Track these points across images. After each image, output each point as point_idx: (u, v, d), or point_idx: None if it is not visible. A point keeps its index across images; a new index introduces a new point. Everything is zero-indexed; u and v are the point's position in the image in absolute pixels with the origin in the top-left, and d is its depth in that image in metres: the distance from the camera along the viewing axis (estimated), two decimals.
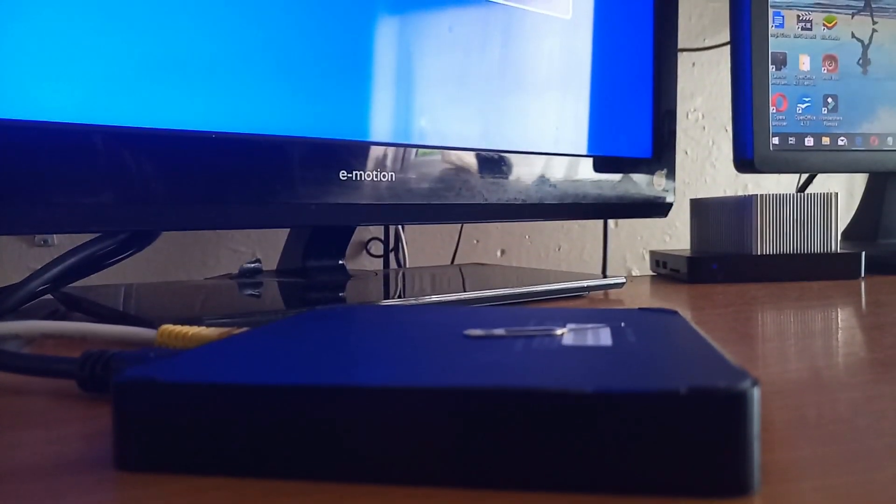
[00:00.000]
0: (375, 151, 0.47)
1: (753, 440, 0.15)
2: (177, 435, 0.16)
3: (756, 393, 0.15)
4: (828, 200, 0.68)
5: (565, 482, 0.15)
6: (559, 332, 0.22)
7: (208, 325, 0.29)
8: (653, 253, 0.76)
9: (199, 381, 0.17)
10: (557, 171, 0.57)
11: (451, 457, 0.15)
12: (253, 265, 0.58)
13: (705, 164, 1.02)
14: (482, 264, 0.78)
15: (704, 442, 0.14)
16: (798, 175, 0.98)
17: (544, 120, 0.57)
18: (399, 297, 0.50)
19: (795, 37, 0.77)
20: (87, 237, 0.45)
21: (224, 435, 0.16)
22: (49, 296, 0.45)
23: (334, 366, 0.19)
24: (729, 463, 0.14)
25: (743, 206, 0.69)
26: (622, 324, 0.23)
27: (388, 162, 0.47)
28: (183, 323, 0.30)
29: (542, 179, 0.56)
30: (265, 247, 0.73)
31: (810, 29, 0.78)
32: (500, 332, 0.22)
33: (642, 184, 0.63)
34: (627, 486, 0.15)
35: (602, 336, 0.21)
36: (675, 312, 0.27)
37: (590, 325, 0.23)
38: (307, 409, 0.16)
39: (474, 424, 0.15)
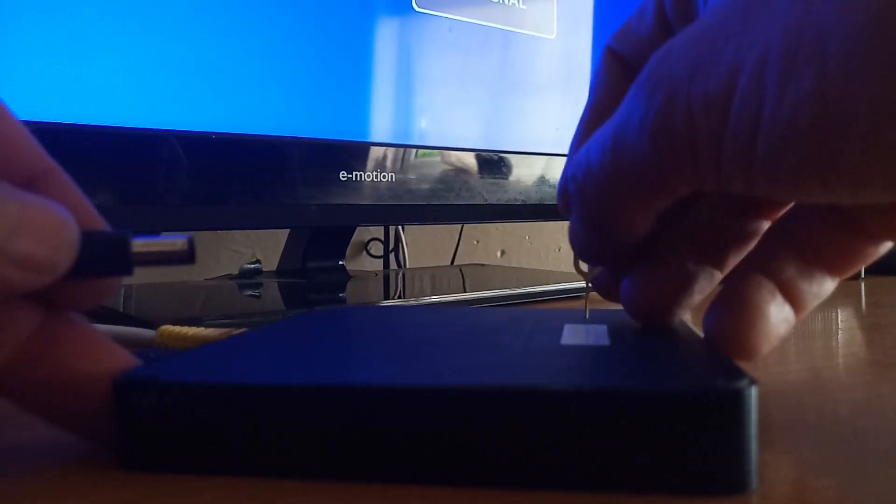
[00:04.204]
0: (375, 152, 0.47)
1: (751, 439, 0.15)
2: (181, 434, 0.16)
3: (754, 392, 0.15)
4: None
5: (561, 480, 0.15)
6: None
7: (207, 326, 0.29)
8: None
9: (204, 380, 0.16)
10: (557, 171, 0.57)
11: (451, 456, 0.15)
12: (253, 266, 0.59)
13: None
14: (482, 265, 0.78)
15: (702, 440, 0.14)
16: None
17: (544, 120, 0.58)
18: (399, 297, 0.50)
19: None
20: None
21: (230, 434, 0.16)
22: None
23: (340, 365, 0.19)
24: (727, 461, 0.14)
25: None
26: (620, 324, 0.23)
27: (388, 162, 0.48)
28: (183, 323, 0.30)
29: (542, 180, 0.56)
30: (265, 247, 0.73)
31: None
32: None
33: None
34: (624, 484, 0.15)
35: (600, 335, 0.21)
36: None
37: (588, 325, 0.23)
38: (314, 408, 0.16)
39: (473, 423, 0.15)
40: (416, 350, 0.20)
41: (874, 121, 0.14)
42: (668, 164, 0.17)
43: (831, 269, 0.20)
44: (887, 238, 0.20)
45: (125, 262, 0.17)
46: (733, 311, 0.20)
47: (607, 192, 0.19)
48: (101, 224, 0.18)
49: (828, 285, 0.21)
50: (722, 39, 0.16)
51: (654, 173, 0.17)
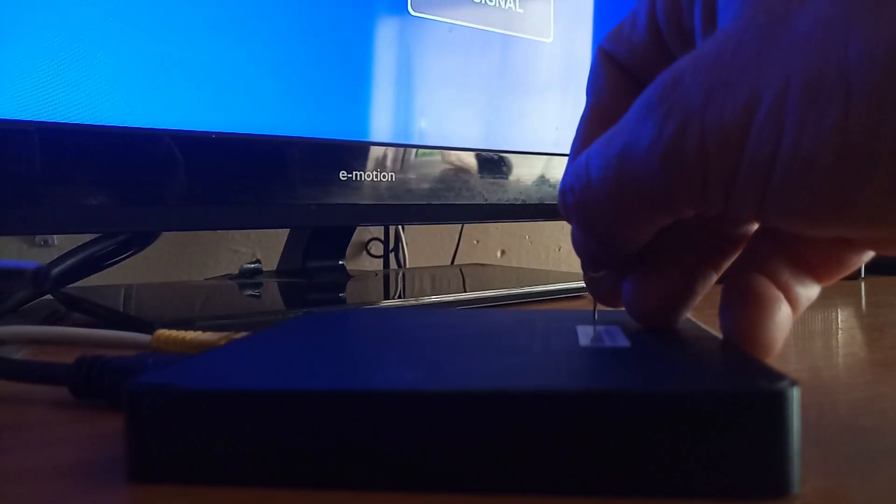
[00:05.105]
0: (375, 152, 0.47)
1: (794, 441, 0.14)
2: (199, 444, 0.15)
3: (796, 392, 0.14)
4: None
5: (600, 485, 0.14)
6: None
7: (203, 328, 0.29)
8: None
9: (223, 387, 0.16)
10: (557, 171, 0.57)
11: (482, 462, 0.15)
12: (253, 266, 0.58)
13: None
14: (482, 265, 0.78)
15: (745, 443, 0.14)
16: None
17: (544, 120, 0.57)
18: (399, 297, 0.50)
19: None
20: (87, 238, 0.45)
21: (248, 442, 0.15)
22: (49, 296, 0.45)
23: (363, 370, 0.18)
24: (769, 464, 0.14)
25: None
26: (632, 324, 0.23)
27: (388, 162, 0.47)
28: (182, 324, 0.30)
29: (542, 180, 0.56)
30: (265, 247, 0.73)
31: None
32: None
33: None
34: (665, 488, 0.14)
35: (617, 337, 0.21)
36: None
37: (600, 326, 0.23)
38: (340, 413, 0.15)
39: (508, 429, 0.15)
40: (433, 353, 0.20)
41: None
42: (677, 190, 0.17)
43: (816, 275, 0.20)
44: (870, 248, 0.20)
45: None
46: (752, 307, 0.20)
47: (609, 209, 0.19)
48: None
49: (814, 290, 0.21)
50: (737, 68, 0.16)
51: (662, 196, 0.17)
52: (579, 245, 0.21)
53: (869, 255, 0.20)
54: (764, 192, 0.16)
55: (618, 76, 0.22)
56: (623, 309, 0.23)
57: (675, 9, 0.20)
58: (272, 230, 0.69)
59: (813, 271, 0.20)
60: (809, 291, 0.21)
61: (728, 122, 0.16)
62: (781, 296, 0.20)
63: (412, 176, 0.49)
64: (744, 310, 0.20)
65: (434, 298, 0.46)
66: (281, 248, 0.60)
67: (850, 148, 0.14)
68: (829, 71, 0.14)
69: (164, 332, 0.29)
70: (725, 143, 0.16)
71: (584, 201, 0.19)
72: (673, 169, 0.17)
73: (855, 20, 0.14)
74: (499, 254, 0.91)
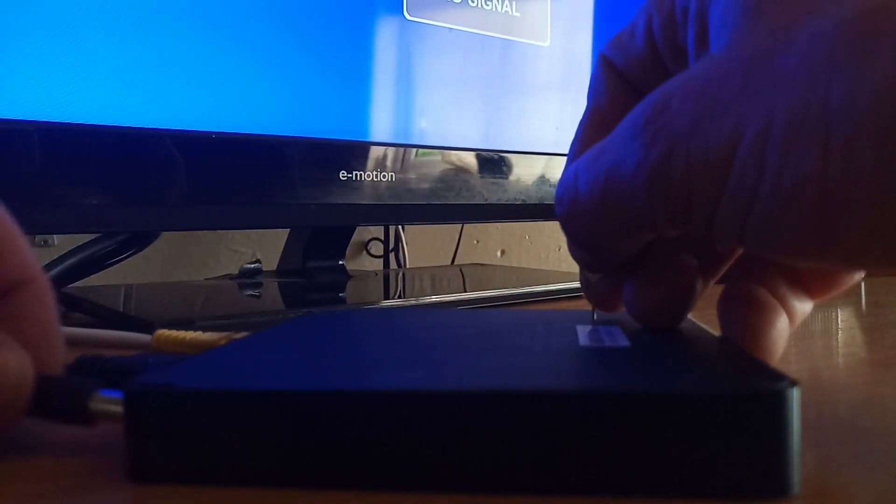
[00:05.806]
0: (375, 151, 0.47)
1: (793, 441, 0.14)
2: (199, 444, 0.15)
3: (795, 393, 0.14)
4: None
5: (600, 485, 0.14)
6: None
7: (203, 328, 0.29)
8: None
9: (223, 387, 0.16)
10: (557, 171, 0.57)
11: (482, 462, 0.15)
12: (253, 266, 0.58)
13: None
14: (482, 265, 0.78)
15: (745, 443, 0.14)
16: None
17: (544, 120, 0.57)
18: (399, 297, 0.50)
19: None
20: (87, 237, 0.45)
21: (249, 442, 0.15)
22: None
23: (364, 370, 0.18)
24: (769, 465, 0.14)
25: None
26: (631, 324, 0.23)
27: (388, 162, 0.47)
28: (181, 324, 0.30)
29: (542, 180, 0.56)
30: (265, 247, 0.73)
31: None
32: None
33: None
34: (665, 489, 0.14)
35: (617, 336, 0.21)
36: None
37: (599, 326, 0.23)
38: (340, 413, 0.15)
39: (506, 429, 0.15)
40: (433, 353, 0.20)
41: (876, 204, 0.14)
42: (661, 212, 0.17)
43: (810, 291, 0.21)
44: (862, 269, 0.20)
45: (82, 415, 0.17)
46: (754, 313, 0.20)
47: (596, 223, 0.19)
48: (60, 357, 0.19)
49: (809, 305, 0.21)
50: (723, 100, 0.16)
51: (646, 216, 0.18)
52: (574, 251, 0.22)
53: (861, 274, 0.21)
54: (745, 223, 0.16)
55: (617, 83, 0.22)
56: (622, 310, 0.23)
57: (670, 25, 0.20)
58: (272, 230, 0.69)
59: (807, 287, 0.21)
60: (804, 306, 0.21)
61: (712, 153, 0.16)
62: (780, 305, 0.20)
63: (412, 176, 0.49)
64: (746, 315, 0.20)
65: (434, 298, 0.46)
66: (281, 248, 0.60)
67: (828, 191, 0.14)
68: (811, 112, 0.14)
69: (164, 332, 0.29)
70: (709, 172, 0.16)
71: (572, 213, 0.20)
72: (658, 192, 0.17)
73: (838, 66, 0.14)
74: (499, 254, 0.91)
